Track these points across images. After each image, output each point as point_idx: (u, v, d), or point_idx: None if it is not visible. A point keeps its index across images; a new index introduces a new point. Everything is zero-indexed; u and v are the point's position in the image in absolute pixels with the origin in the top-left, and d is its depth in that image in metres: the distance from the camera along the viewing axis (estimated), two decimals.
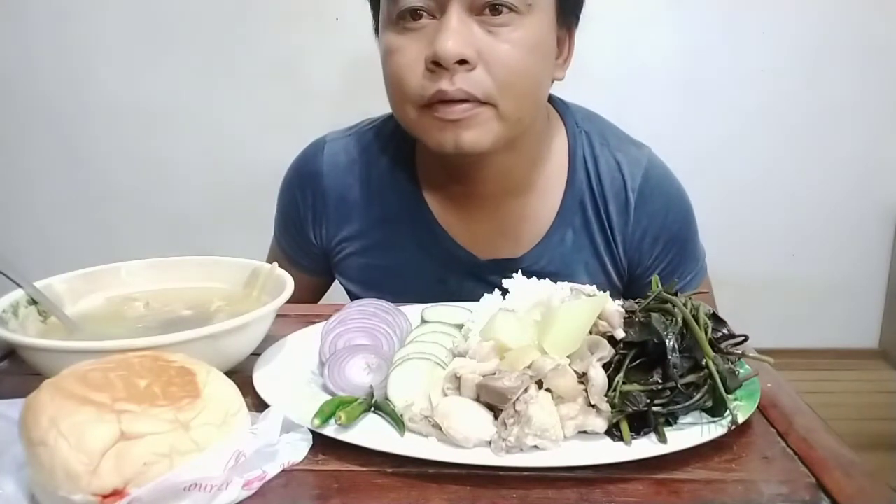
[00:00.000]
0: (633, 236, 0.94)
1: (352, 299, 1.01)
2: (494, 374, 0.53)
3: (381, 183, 0.96)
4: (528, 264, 0.91)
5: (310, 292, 1.07)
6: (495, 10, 0.78)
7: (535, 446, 0.50)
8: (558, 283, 0.65)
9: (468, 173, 0.90)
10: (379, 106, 1.02)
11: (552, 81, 0.89)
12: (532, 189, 0.93)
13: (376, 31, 0.89)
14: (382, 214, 0.96)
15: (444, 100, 0.79)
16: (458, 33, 0.76)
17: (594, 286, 0.62)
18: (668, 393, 0.53)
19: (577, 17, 0.88)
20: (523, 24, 0.79)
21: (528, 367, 0.53)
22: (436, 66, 0.78)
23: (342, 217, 0.97)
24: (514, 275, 0.65)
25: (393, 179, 0.96)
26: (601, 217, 0.93)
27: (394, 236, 0.95)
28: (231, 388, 0.49)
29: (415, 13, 0.79)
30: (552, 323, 0.57)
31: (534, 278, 0.66)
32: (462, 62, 0.77)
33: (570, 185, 0.93)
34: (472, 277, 0.93)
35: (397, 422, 0.53)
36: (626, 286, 0.97)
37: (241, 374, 0.58)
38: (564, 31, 0.87)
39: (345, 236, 0.98)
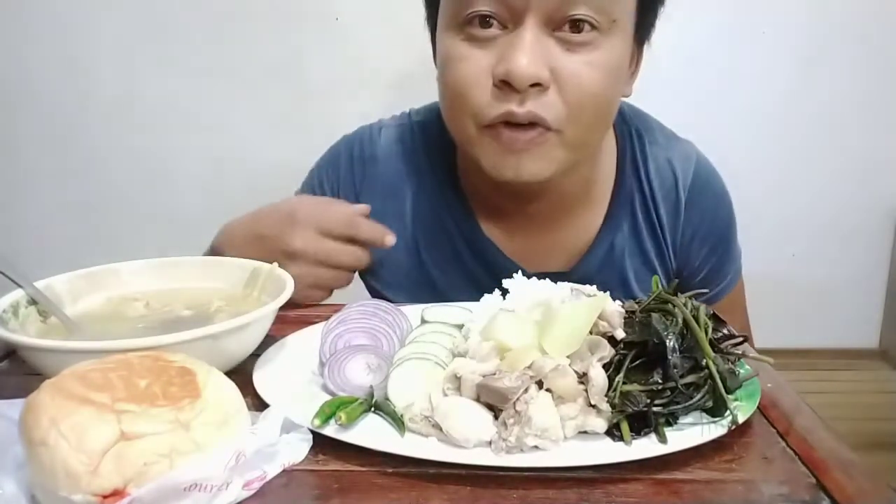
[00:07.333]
0: (683, 237, 0.90)
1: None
2: (494, 374, 0.53)
3: (430, 185, 0.90)
4: (579, 276, 0.81)
5: None
6: (575, 26, 0.71)
7: (536, 446, 0.50)
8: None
9: (518, 192, 0.84)
10: (378, 107, 1.02)
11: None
12: (583, 200, 0.88)
13: (431, 29, 0.82)
14: (427, 218, 0.90)
15: (510, 122, 0.72)
16: (532, 51, 0.69)
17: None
18: (669, 393, 0.53)
19: (652, 30, 0.82)
20: (605, 44, 0.72)
21: (528, 367, 0.53)
22: (505, 84, 0.71)
23: (386, 210, 0.89)
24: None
25: (438, 184, 0.90)
26: (652, 220, 0.89)
27: (436, 241, 0.90)
28: (231, 388, 0.49)
29: (484, 20, 0.71)
30: (552, 323, 0.56)
31: (534, 278, 0.66)
32: (535, 84, 0.70)
33: (619, 190, 0.89)
34: None
35: (397, 422, 0.53)
36: None
37: (241, 374, 0.58)
38: (637, 46, 0.81)
39: None
